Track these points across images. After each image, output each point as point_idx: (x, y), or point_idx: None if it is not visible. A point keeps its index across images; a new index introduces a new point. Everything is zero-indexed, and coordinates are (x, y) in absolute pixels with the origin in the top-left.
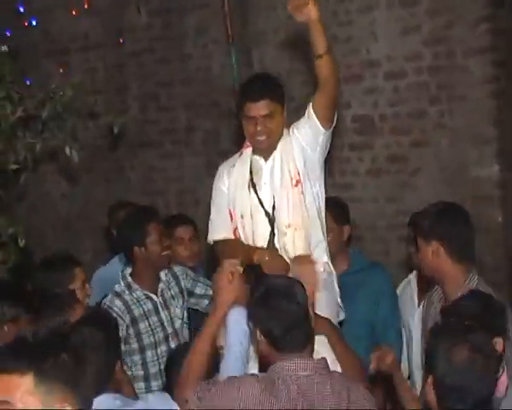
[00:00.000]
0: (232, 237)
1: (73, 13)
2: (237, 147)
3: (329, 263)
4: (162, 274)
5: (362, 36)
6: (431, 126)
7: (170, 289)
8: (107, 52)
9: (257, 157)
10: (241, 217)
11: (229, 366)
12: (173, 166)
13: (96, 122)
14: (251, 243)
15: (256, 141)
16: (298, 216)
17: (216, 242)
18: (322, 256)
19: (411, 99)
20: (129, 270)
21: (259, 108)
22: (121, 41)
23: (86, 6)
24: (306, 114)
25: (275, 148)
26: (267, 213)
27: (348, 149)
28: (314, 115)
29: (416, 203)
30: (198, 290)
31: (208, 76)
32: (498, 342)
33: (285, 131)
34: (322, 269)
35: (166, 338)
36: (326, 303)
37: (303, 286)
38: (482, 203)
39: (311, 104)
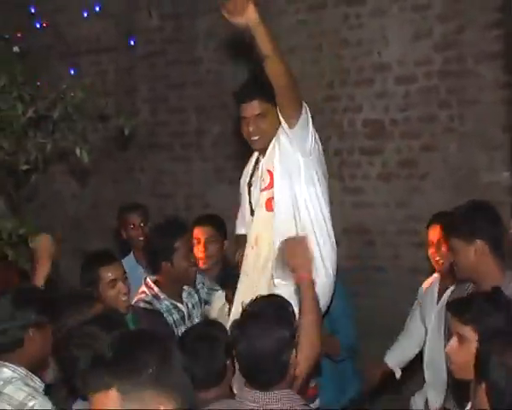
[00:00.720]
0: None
1: (85, 15)
2: (245, 151)
3: (329, 267)
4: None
5: (373, 39)
6: (441, 131)
7: (192, 299)
8: (118, 55)
9: (260, 156)
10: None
11: None
12: (182, 170)
13: (107, 124)
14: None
15: (251, 141)
16: (261, 217)
17: (235, 236)
18: (319, 261)
19: (422, 103)
20: (152, 278)
21: (251, 109)
22: (132, 44)
23: (98, 8)
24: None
25: (269, 142)
26: (252, 213)
27: (359, 153)
28: (280, 115)
29: (425, 208)
30: (203, 295)
31: (219, 79)
32: None
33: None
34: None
35: None
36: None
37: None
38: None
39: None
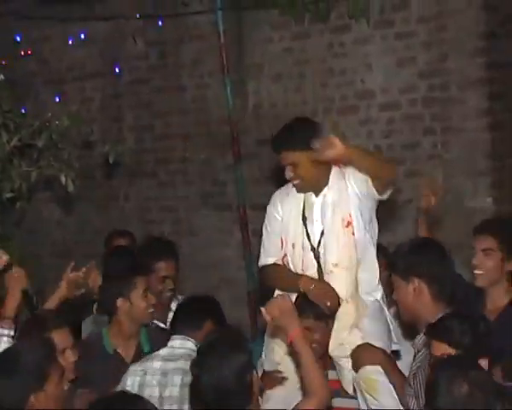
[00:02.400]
0: (280, 263)
1: (70, 42)
2: (230, 177)
3: (381, 300)
4: (173, 304)
5: (357, 67)
6: (425, 157)
7: None
8: (103, 82)
9: (309, 192)
10: (293, 247)
11: None
12: (168, 196)
13: (92, 151)
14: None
15: (293, 184)
16: (346, 256)
17: (264, 266)
18: (371, 294)
19: (405, 130)
20: None
21: (284, 159)
22: (117, 71)
23: (83, 36)
24: (365, 180)
25: (324, 184)
26: (313, 248)
27: None
28: (371, 186)
29: (409, 234)
30: None
31: (203, 107)
32: (483, 363)
33: (336, 170)
34: (372, 300)
35: None
36: (377, 334)
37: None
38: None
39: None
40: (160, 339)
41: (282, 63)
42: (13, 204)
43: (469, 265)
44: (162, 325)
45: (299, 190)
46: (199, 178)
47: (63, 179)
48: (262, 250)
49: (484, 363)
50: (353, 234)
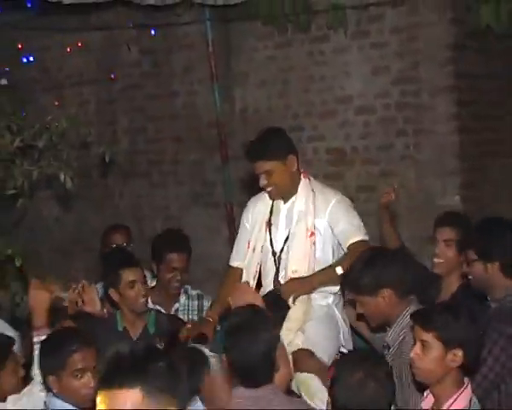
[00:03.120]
0: (242, 266)
1: (68, 50)
2: (218, 178)
3: (333, 304)
4: (182, 297)
5: (335, 75)
6: (398, 158)
7: (189, 313)
8: (99, 88)
9: (279, 199)
10: (253, 250)
11: None
12: (160, 195)
13: (89, 152)
14: (255, 277)
15: (266, 192)
16: (305, 264)
17: (228, 266)
18: (323, 299)
19: (380, 133)
20: (153, 283)
21: (258, 167)
22: (112, 77)
23: (80, 44)
24: (341, 233)
25: (294, 193)
26: (274, 253)
27: (322, 178)
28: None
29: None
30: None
31: (193, 112)
32: (458, 354)
33: (304, 181)
34: (323, 304)
35: None
36: (319, 340)
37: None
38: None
39: (347, 241)
40: (164, 324)
41: (266, 71)
42: (15, 201)
43: None
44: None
45: (271, 197)
46: (189, 179)
47: (62, 178)
48: (232, 252)
49: (460, 354)
50: (314, 244)
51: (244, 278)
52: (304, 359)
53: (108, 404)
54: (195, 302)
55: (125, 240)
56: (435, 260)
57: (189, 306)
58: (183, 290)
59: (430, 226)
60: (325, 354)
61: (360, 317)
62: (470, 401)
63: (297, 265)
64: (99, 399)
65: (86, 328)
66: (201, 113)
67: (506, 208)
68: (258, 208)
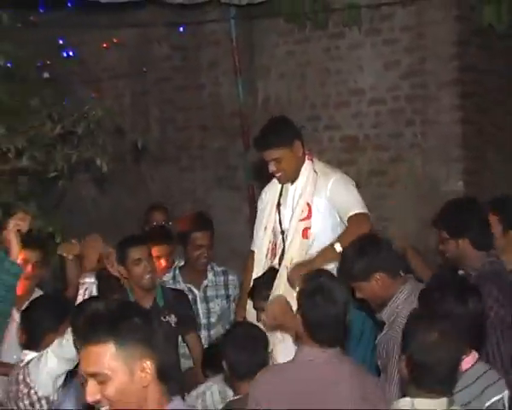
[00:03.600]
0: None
1: (104, 46)
2: (243, 163)
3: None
4: (210, 273)
5: (350, 69)
6: (406, 146)
7: (216, 290)
8: (132, 81)
9: (288, 184)
10: (264, 230)
11: None
12: (188, 179)
13: (123, 139)
14: (269, 253)
15: (276, 177)
16: (296, 241)
17: (250, 251)
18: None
19: (390, 122)
20: (180, 263)
21: (268, 155)
22: (145, 71)
23: (115, 40)
24: (340, 209)
25: (296, 175)
26: (282, 232)
27: (336, 164)
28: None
29: (393, 212)
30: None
31: (218, 102)
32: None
33: (308, 163)
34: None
35: (198, 327)
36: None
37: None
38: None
39: (347, 214)
40: (171, 297)
41: (286, 65)
42: (55, 183)
43: None
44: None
45: (280, 182)
46: (214, 164)
47: (98, 162)
48: (254, 236)
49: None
50: (306, 220)
51: (257, 257)
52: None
53: (86, 362)
54: (221, 278)
55: (164, 218)
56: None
57: (216, 281)
58: (209, 267)
59: (435, 209)
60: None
61: (361, 301)
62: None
63: (291, 237)
64: (80, 355)
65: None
66: (225, 103)
67: (505, 193)
68: (269, 194)
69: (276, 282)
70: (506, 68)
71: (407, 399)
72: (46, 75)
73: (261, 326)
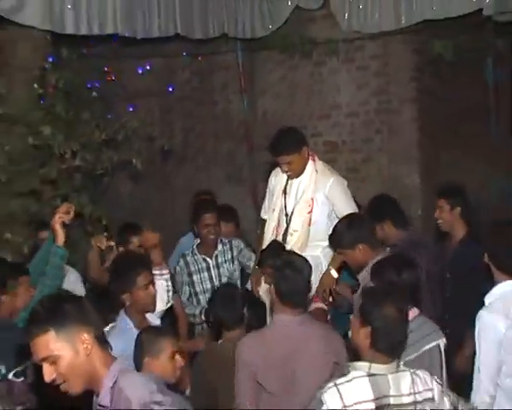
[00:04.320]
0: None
1: (139, 72)
2: (248, 163)
3: (321, 254)
4: (220, 245)
5: (330, 89)
6: (376, 149)
7: (224, 256)
8: (161, 98)
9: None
10: (272, 211)
11: None
12: (203, 176)
13: (153, 144)
14: (275, 230)
15: (287, 175)
16: (303, 228)
17: (261, 218)
18: (314, 251)
19: (363, 131)
20: (197, 241)
21: (280, 160)
22: (170, 90)
23: (148, 67)
24: (338, 207)
25: (302, 172)
26: (286, 215)
27: None
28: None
29: (364, 202)
30: (241, 258)
31: (228, 115)
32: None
33: (311, 163)
34: (314, 255)
35: (212, 288)
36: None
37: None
38: (408, 201)
39: (341, 214)
40: None
41: (279, 86)
42: (101, 179)
43: None
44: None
45: (291, 178)
46: (224, 163)
47: (134, 162)
48: (262, 207)
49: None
50: (310, 213)
51: (266, 232)
52: None
53: (36, 351)
54: (227, 246)
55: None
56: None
57: (223, 250)
58: (219, 241)
59: (399, 199)
60: None
61: (344, 264)
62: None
63: (297, 226)
64: (31, 347)
65: None
66: (233, 116)
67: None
68: (277, 179)
69: None
70: (453, 88)
71: (365, 363)
72: (94, 94)
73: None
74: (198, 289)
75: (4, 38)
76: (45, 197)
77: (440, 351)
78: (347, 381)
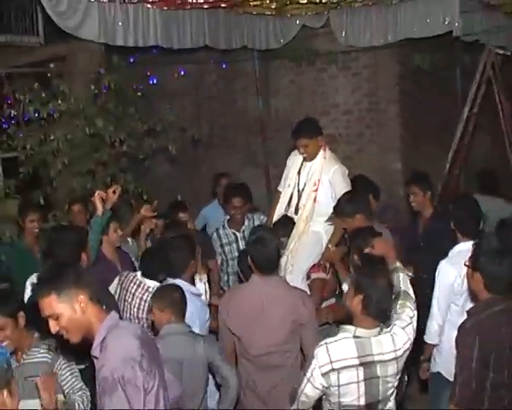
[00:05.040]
0: (282, 201)
1: (175, 75)
2: (262, 150)
3: (322, 233)
4: (246, 221)
5: (329, 91)
6: (367, 141)
7: (249, 229)
8: (192, 97)
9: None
10: (288, 186)
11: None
12: (226, 160)
13: (185, 133)
14: (289, 202)
15: (303, 157)
16: (309, 204)
17: (276, 190)
18: (316, 227)
19: (356, 126)
20: (227, 218)
21: (299, 143)
22: (200, 92)
23: (182, 73)
24: (336, 190)
25: (315, 157)
26: (298, 190)
27: None
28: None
29: None
30: (257, 224)
31: (246, 112)
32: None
33: (323, 154)
34: (315, 230)
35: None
36: (308, 254)
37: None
38: (392, 183)
39: (338, 193)
40: (199, 238)
41: (289, 89)
42: (143, 162)
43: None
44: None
45: (306, 160)
46: (242, 151)
47: (170, 148)
48: (280, 182)
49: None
50: (316, 191)
51: (280, 202)
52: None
53: (42, 310)
54: (251, 220)
55: (227, 183)
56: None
57: (249, 225)
58: (246, 217)
59: (384, 181)
60: (304, 266)
61: (344, 230)
62: None
63: (305, 201)
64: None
65: None
66: (251, 113)
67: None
68: (294, 160)
69: (294, 232)
70: (430, 92)
71: (352, 327)
72: (139, 94)
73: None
74: (229, 257)
75: (68, 49)
76: (98, 176)
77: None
78: (335, 341)
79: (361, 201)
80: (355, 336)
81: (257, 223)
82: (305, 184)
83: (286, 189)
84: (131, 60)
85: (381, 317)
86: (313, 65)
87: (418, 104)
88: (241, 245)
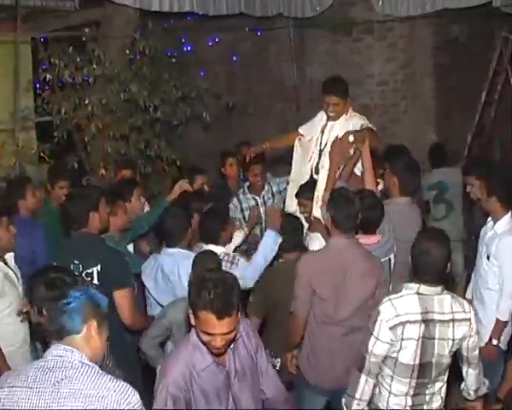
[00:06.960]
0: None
1: (210, 43)
2: (295, 119)
3: None
4: (266, 185)
5: (365, 61)
6: (401, 111)
7: (268, 193)
8: (226, 65)
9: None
10: (310, 140)
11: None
12: (261, 128)
13: (220, 100)
14: (309, 156)
15: (329, 115)
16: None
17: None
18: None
19: (391, 97)
20: (247, 184)
21: (329, 99)
22: (234, 59)
23: (217, 40)
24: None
25: (339, 118)
26: (320, 150)
27: None
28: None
29: None
30: (275, 188)
31: (281, 80)
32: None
33: (345, 117)
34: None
35: (260, 220)
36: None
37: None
38: (425, 155)
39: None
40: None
41: (324, 58)
42: (177, 128)
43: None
44: None
45: (331, 119)
46: (277, 118)
47: (204, 115)
48: (304, 125)
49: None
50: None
51: (295, 153)
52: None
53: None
54: (271, 186)
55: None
56: None
57: (268, 190)
58: (266, 183)
59: (418, 152)
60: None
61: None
62: None
63: (324, 164)
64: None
65: None
66: (285, 81)
67: (461, 144)
68: (320, 117)
69: (315, 194)
70: (465, 64)
71: (416, 285)
72: (173, 60)
73: (302, 218)
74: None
75: (103, 14)
76: (132, 141)
77: (390, 262)
78: (399, 296)
79: (402, 161)
80: (418, 293)
81: (275, 188)
82: (326, 145)
83: (304, 141)
84: (166, 26)
85: (439, 280)
86: (349, 34)
87: (454, 76)
88: (262, 210)
